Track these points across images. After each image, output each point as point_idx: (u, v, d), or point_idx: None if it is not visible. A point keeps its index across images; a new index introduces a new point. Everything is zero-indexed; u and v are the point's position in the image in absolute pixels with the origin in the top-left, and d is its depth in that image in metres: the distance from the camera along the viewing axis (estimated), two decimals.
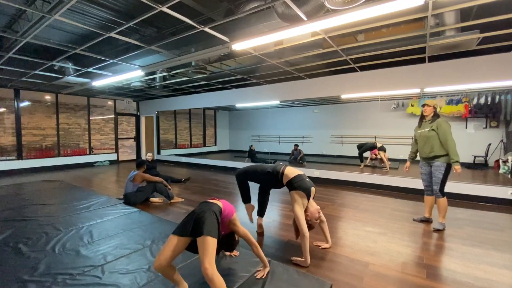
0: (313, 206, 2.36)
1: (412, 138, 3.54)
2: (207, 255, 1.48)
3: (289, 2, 2.39)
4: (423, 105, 3.12)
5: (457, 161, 2.82)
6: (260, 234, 2.87)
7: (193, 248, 1.65)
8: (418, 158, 3.29)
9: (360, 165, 6.85)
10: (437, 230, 2.95)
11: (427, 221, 3.22)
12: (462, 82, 4.09)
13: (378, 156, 6.74)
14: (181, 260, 2.18)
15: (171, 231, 2.41)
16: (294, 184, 2.33)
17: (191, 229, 1.59)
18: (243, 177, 2.79)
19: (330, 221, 3.22)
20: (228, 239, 1.87)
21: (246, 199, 2.85)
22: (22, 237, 2.71)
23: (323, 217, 2.45)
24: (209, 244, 1.50)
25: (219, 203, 1.82)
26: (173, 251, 1.59)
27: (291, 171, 2.44)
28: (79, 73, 5.07)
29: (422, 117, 3.17)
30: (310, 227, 2.29)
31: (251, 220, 2.86)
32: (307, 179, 2.40)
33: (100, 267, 2.12)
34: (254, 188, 2.89)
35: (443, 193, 2.98)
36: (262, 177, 2.64)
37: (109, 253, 2.36)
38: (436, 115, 3.05)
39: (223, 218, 1.76)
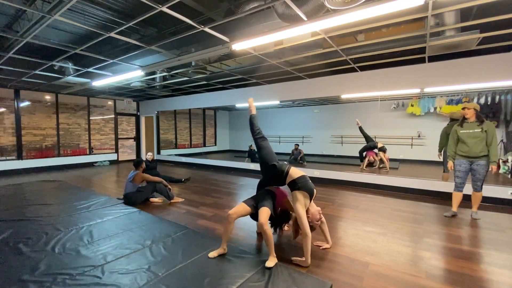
0: (314, 207, 2.39)
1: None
2: (264, 216, 2.23)
3: (289, 2, 2.39)
4: (463, 108, 3.37)
5: (495, 161, 3.13)
6: (260, 234, 2.87)
7: (255, 217, 2.44)
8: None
9: (360, 165, 6.84)
10: (476, 219, 3.29)
11: (455, 215, 3.43)
12: (462, 82, 4.08)
13: (378, 158, 6.67)
14: (181, 260, 2.19)
15: (171, 231, 2.86)
16: (298, 184, 2.33)
17: (255, 205, 2.41)
18: (258, 148, 2.66)
19: (330, 221, 3.22)
20: (285, 213, 2.62)
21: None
22: (22, 237, 2.71)
23: (323, 218, 2.46)
24: (266, 211, 2.28)
25: (274, 190, 2.58)
26: (241, 212, 2.35)
27: (295, 172, 2.45)
28: (79, 73, 5.07)
29: (464, 119, 3.39)
30: (311, 228, 2.29)
31: None
32: (310, 181, 2.42)
33: (100, 267, 2.12)
34: (252, 187, 2.89)
35: (482, 188, 3.30)
36: (267, 167, 2.58)
37: (109, 253, 2.36)
38: (480, 117, 3.28)
39: (278, 199, 2.54)
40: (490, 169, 3.18)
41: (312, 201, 2.38)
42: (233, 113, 13.17)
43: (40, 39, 3.44)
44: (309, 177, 2.47)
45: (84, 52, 3.91)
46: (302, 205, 2.26)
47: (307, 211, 2.32)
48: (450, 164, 3.48)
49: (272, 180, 2.63)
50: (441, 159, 4.72)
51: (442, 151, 4.62)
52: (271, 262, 2.12)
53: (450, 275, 2.07)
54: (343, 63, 4.46)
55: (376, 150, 6.74)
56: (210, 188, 5.14)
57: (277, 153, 2.73)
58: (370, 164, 6.81)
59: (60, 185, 5.32)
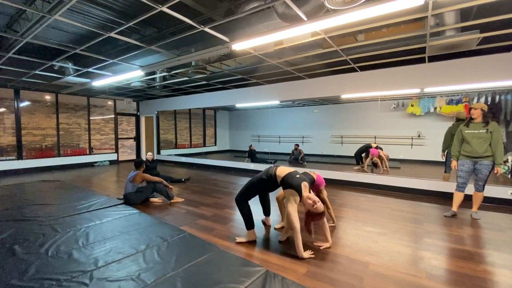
0: (305, 195, 2.33)
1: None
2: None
3: (289, 2, 2.39)
4: (470, 109, 3.36)
5: (500, 163, 3.10)
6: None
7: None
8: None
9: (362, 166, 6.80)
10: (476, 219, 3.29)
11: (455, 215, 3.43)
12: (462, 82, 4.08)
13: (377, 158, 6.58)
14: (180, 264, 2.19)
15: (168, 235, 2.85)
16: (285, 183, 2.39)
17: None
18: (243, 198, 2.69)
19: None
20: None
21: (250, 224, 2.66)
22: (19, 238, 2.69)
23: (324, 220, 2.45)
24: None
25: (314, 175, 2.87)
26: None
27: (282, 171, 2.48)
28: (79, 73, 5.07)
29: (470, 119, 3.37)
30: (317, 216, 2.31)
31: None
32: (298, 176, 2.42)
33: (89, 272, 2.06)
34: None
35: (484, 188, 3.30)
36: (259, 186, 2.64)
37: (101, 257, 2.29)
38: (487, 118, 3.24)
39: (315, 186, 2.82)
40: (495, 172, 3.14)
41: (308, 192, 2.35)
42: (233, 113, 13.17)
43: (40, 39, 3.44)
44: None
45: (84, 52, 3.90)
46: (291, 203, 2.30)
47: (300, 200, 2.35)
48: (454, 163, 3.46)
49: (269, 188, 2.66)
50: (444, 159, 4.70)
51: (446, 151, 4.60)
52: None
53: (450, 275, 2.07)
54: (343, 63, 4.46)
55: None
56: (210, 188, 5.14)
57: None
58: (374, 165, 6.74)
59: (60, 185, 5.32)
